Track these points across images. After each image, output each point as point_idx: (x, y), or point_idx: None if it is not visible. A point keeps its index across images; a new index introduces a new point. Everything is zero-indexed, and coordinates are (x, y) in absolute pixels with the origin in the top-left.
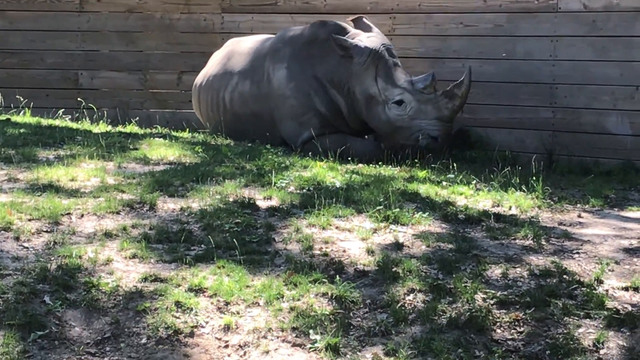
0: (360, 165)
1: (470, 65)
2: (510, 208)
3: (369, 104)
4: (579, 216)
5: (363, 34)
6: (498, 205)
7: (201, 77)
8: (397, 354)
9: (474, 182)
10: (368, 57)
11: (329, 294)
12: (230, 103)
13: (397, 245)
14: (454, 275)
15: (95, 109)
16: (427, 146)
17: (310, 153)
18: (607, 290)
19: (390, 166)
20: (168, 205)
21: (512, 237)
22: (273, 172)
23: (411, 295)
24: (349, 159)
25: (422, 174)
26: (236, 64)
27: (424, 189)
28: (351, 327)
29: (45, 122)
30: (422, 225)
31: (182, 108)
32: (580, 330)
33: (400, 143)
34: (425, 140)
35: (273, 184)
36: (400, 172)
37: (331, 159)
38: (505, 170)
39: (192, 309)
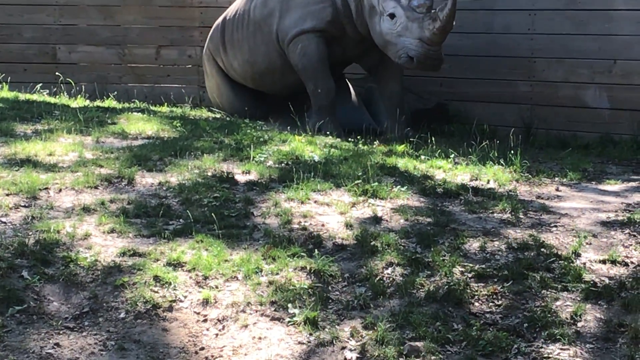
0: (339, 139)
1: None
2: (488, 182)
3: (370, 13)
4: (557, 189)
5: None
6: (476, 179)
7: (230, 9)
8: (375, 327)
9: (453, 155)
10: None
11: (308, 268)
12: (254, 10)
13: (376, 219)
14: (432, 249)
15: (73, 84)
16: (405, 65)
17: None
18: (584, 264)
19: (369, 139)
20: (146, 180)
21: (490, 211)
22: (252, 146)
23: (390, 269)
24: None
25: (400, 148)
26: None
27: (402, 163)
28: (330, 300)
29: (23, 96)
30: (400, 199)
31: (161, 82)
32: (558, 303)
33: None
34: (404, 58)
35: (252, 158)
36: (378, 146)
37: (309, 133)
38: (484, 144)
39: (170, 284)
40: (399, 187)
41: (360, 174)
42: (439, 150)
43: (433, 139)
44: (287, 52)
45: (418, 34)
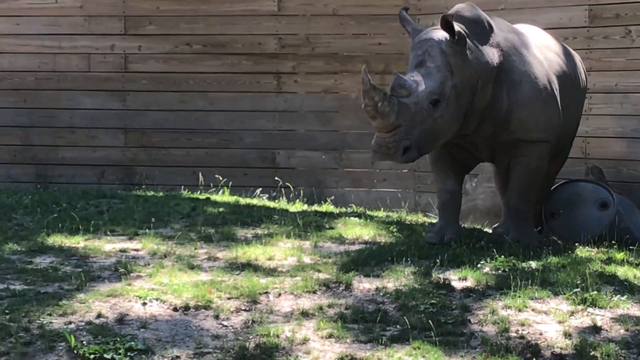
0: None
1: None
2: None
3: None
4: None
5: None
6: None
7: None
8: None
9: None
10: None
11: None
12: None
13: (595, 329)
14: None
15: (292, 188)
16: None
17: None
18: None
19: (587, 247)
20: (363, 285)
21: None
22: (467, 252)
23: None
24: None
25: (620, 255)
26: None
27: (622, 271)
28: None
29: (243, 201)
30: (620, 309)
31: (377, 187)
32: None
33: None
34: None
35: (468, 264)
36: (597, 253)
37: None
38: None
39: None
40: (618, 296)
41: (578, 282)
42: None
43: None
44: None
45: None
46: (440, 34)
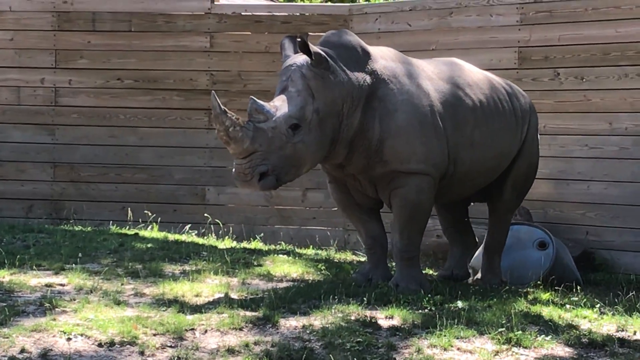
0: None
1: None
2: (634, 333)
3: None
4: None
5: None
6: (622, 330)
7: None
8: None
9: (598, 305)
10: None
11: None
12: None
13: None
14: None
15: (221, 225)
16: None
17: None
18: None
19: (513, 287)
20: (290, 323)
21: None
22: (395, 291)
23: None
24: None
25: (545, 295)
26: None
27: (547, 312)
28: None
29: (172, 237)
30: (544, 349)
31: (307, 225)
32: None
33: None
34: None
35: (395, 303)
36: (523, 293)
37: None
38: (631, 294)
39: None
40: (543, 336)
41: (504, 321)
42: (585, 300)
43: (578, 287)
44: None
45: None
46: (303, 59)
